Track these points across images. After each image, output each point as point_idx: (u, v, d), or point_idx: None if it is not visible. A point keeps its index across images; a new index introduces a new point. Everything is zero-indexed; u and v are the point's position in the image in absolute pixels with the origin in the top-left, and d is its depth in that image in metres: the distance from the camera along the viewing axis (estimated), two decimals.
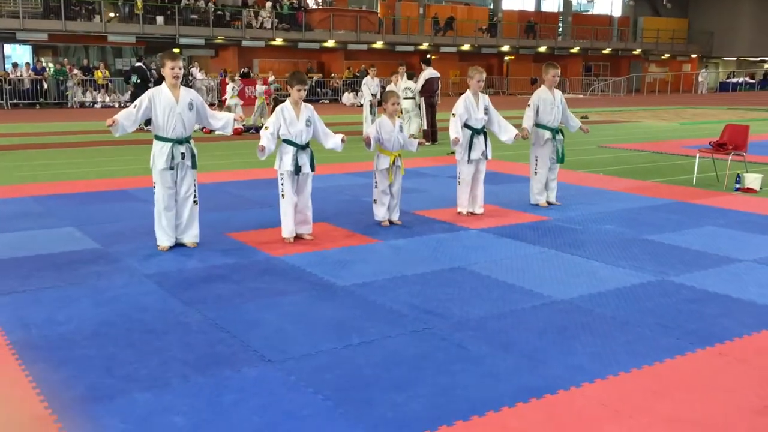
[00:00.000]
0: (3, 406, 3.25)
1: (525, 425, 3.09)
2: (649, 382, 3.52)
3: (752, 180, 8.94)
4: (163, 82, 5.78)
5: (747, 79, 44.71)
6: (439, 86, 14.96)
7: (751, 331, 4.20)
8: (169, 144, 5.72)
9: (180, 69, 5.72)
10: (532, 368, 3.65)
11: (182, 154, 5.75)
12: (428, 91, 14.35)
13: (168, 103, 5.64)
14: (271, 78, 29.12)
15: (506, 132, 7.36)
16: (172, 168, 5.76)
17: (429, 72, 14.40)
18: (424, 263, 5.58)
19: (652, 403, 3.31)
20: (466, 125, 7.18)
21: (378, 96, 15.84)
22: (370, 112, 15.39)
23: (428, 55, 18.27)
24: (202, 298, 4.72)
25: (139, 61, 19.25)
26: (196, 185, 5.98)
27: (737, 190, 8.92)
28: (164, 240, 5.88)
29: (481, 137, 7.22)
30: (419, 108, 14.52)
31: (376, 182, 6.80)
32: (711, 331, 4.20)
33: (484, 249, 6.03)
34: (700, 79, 43.94)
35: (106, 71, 27.76)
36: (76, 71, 26.72)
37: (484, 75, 7.36)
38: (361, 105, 20.80)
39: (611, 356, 3.82)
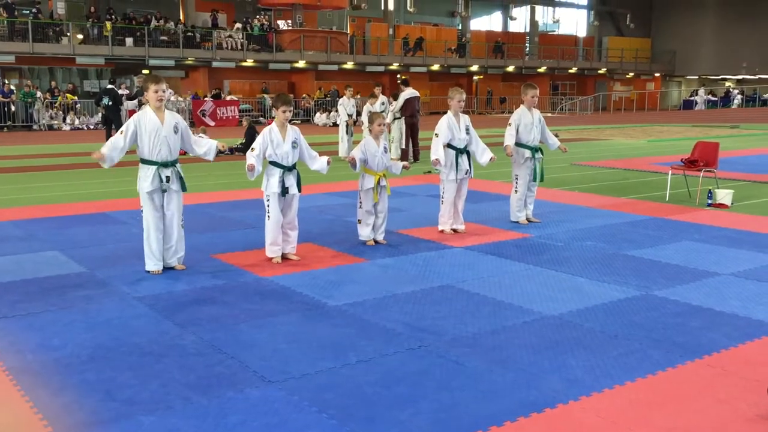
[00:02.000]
0: None
1: None
2: (644, 394, 3.62)
3: (723, 195, 9.18)
4: (146, 106, 5.79)
5: (709, 96, 45.77)
6: (420, 105, 15.13)
7: (736, 343, 4.33)
8: (155, 167, 5.72)
9: (164, 92, 5.74)
10: (529, 383, 3.73)
11: (167, 177, 5.74)
12: (408, 110, 14.51)
13: (154, 127, 5.66)
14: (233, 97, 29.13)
15: (483, 155, 7.47)
16: (164, 190, 5.74)
17: (409, 92, 14.57)
18: (413, 282, 5.64)
19: (648, 414, 3.40)
20: (449, 146, 7.29)
21: (354, 116, 15.93)
22: (347, 132, 15.44)
23: (400, 75, 18.40)
24: (196, 320, 4.72)
25: (111, 83, 19.11)
26: (181, 209, 5.97)
27: (709, 205, 9.15)
28: (152, 265, 5.85)
29: (465, 157, 7.34)
30: (399, 129, 14.64)
31: (360, 202, 6.86)
32: (698, 343, 4.32)
33: (471, 267, 6.12)
34: (698, 99, 44.62)
35: (68, 96, 27.43)
36: (39, 93, 26.43)
37: (464, 95, 7.51)
38: (334, 125, 20.86)
39: (605, 370, 3.91)
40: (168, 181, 5.75)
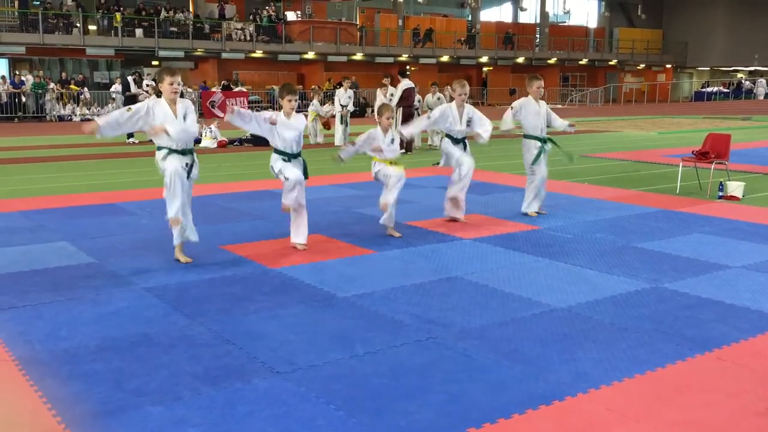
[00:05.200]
0: (16, 421, 3.24)
1: (536, 431, 3.14)
2: (653, 387, 3.59)
3: (735, 188, 9.11)
4: (162, 95, 5.78)
5: (721, 88, 45.41)
6: (415, 96, 15.26)
7: (746, 336, 4.30)
8: (166, 151, 5.72)
9: (179, 84, 5.73)
10: (537, 375, 3.71)
11: (186, 164, 5.74)
12: (408, 101, 14.64)
13: (168, 118, 5.65)
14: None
15: (482, 126, 7.39)
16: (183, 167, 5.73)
17: (406, 82, 14.77)
18: (421, 273, 5.63)
19: (657, 407, 3.38)
20: (447, 135, 7.34)
21: (349, 107, 16.11)
22: (341, 122, 15.75)
23: (408, 66, 18.50)
24: (204, 310, 4.72)
25: (132, 74, 19.21)
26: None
27: (720, 198, 9.09)
28: (174, 211, 5.76)
29: (460, 145, 7.39)
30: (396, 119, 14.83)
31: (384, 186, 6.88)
32: (708, 336, 4.29)
33: (479, 258, 6.09)
34: (760, 89, 43.70)
35: (73, 86, 27.41)
36: (52, 85, 26.50)
37: (467, 88, 7.49)
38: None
39: (614, 362, 3.89)
40: (185, 167, 5.74)
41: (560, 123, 8.04)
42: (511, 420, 3.23)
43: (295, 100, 6.28)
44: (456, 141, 7.37)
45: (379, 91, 15.76)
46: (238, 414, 3.27)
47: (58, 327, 4.39)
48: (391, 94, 15.23)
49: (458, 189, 7.38)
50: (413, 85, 15.10)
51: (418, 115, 16.07)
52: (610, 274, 5.63)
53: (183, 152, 5.76)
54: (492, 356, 3.96)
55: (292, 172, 6.17)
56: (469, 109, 7.41)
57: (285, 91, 6.23)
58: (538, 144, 7.75)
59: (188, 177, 5.80)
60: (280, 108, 6.32)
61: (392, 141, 6.84)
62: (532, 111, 7.75)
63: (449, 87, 15.93)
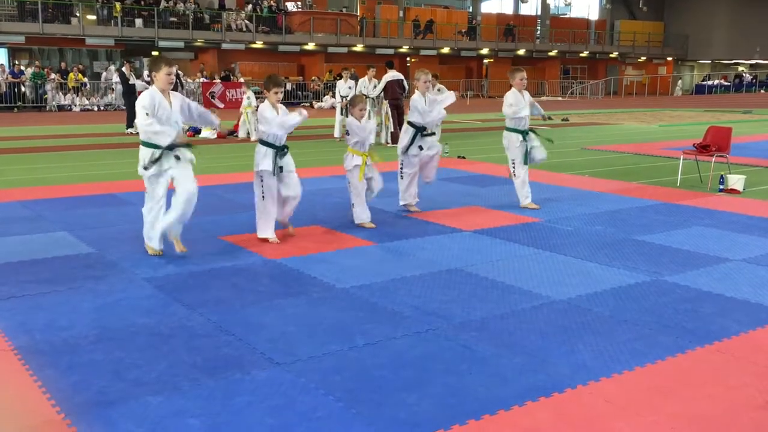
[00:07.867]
0: (16, 411, 3.24)
1: (536, 423, 3.14)
2: (653, 379, 3.59)
3: (735, 181, 9.10)
4: (153, 86, 5.72)
5: (722, 81, 45.32)
6: (406, 88, 15.10)
7: (746, 329, 4.29)
8: (159, 150, 5.65)
9: (174, 75, 5.70)
10: (537, 367, 3.71)
11: (176, 156, 5.69)
12: (391, 93, 14.56)
13: (164, 110, 5.61)
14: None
15: (443, 101, 7.54)
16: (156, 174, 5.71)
17: (391, 74, 14.65)
18: (421, 265, 5.62)
19: (657, 400, 3.38)
20: (411, 124, 7.42)
21: (350, 98, 16.08)
22: (341, 113, 15.75)
23: (408, 58, 18.36)
24: (203, 301, 4.72)
25: (122, 65, 19.12)
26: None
27: (721, 191, 9.08)
28: (157, 243, 5.84)
29: (424, 136, 7.48)
30: (385, 112, 14.82)
31: (351, 185, 6.86)
32: (708, 329, 4.29)
33: (480, 250, 6.09)
34: None
35: (80, 75, 27.35)
36: (54, 76, 26.42)
37: (430, 76, 7.63)
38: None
39: (614, 355, 3.89)
40: (178, 159, 5.70)
41: (541, 111, 8.13)
42: (510, 412, 3.23)
43: (281, 92, 6.25)
44: (420, 129, 7.39)
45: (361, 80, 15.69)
46: (237, 405, 3.27)
47: (58, 317, 4.39)
48: (374, 86, 15.12)
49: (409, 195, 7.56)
50: (400, 77, 14.86)
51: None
52: (610, 266, 5.62)
53: (170, 147, 5.67)
54: (492, 348, 3.96)
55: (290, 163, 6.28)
56: (431, 96, 7.56)
57: (271, 83, 6.19)
58: (521, 138, 7.72)
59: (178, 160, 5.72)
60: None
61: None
62: (519, 102, 7.73)
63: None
